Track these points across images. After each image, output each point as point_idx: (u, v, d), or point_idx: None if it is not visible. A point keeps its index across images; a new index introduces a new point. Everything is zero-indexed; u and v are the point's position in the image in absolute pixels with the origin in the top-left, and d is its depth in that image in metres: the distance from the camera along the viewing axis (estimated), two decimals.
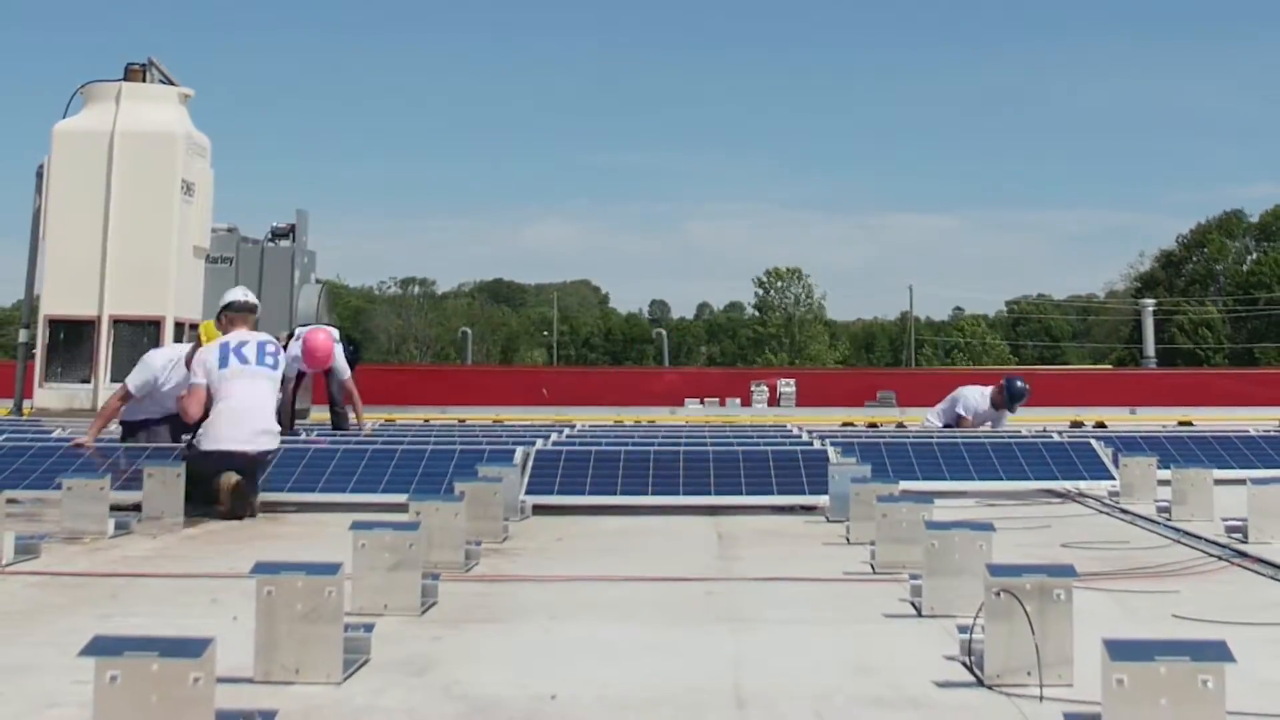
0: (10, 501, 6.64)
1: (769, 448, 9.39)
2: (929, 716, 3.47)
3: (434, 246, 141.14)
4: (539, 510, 8.06)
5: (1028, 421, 15.63)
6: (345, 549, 4.70)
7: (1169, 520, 7.75)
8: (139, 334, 17.13)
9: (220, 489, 7.80)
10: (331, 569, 3.80)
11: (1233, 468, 9.72)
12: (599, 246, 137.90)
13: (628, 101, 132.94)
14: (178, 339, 17.20)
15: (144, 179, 17.07)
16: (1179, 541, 6.96)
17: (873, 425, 17.17)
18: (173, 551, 6.63)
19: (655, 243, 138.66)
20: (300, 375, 12.57)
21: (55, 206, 17.18)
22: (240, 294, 8.76)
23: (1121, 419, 19.36)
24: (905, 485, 8.20)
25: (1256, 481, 7.16)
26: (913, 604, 4.92)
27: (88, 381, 16.94)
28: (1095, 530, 7.49)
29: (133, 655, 2.87)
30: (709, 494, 8.38)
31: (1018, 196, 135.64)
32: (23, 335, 17.67)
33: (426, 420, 18.25)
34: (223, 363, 8.17)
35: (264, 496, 8.33)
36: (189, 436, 8.49)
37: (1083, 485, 9.27)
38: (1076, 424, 15.46)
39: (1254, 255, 78.03)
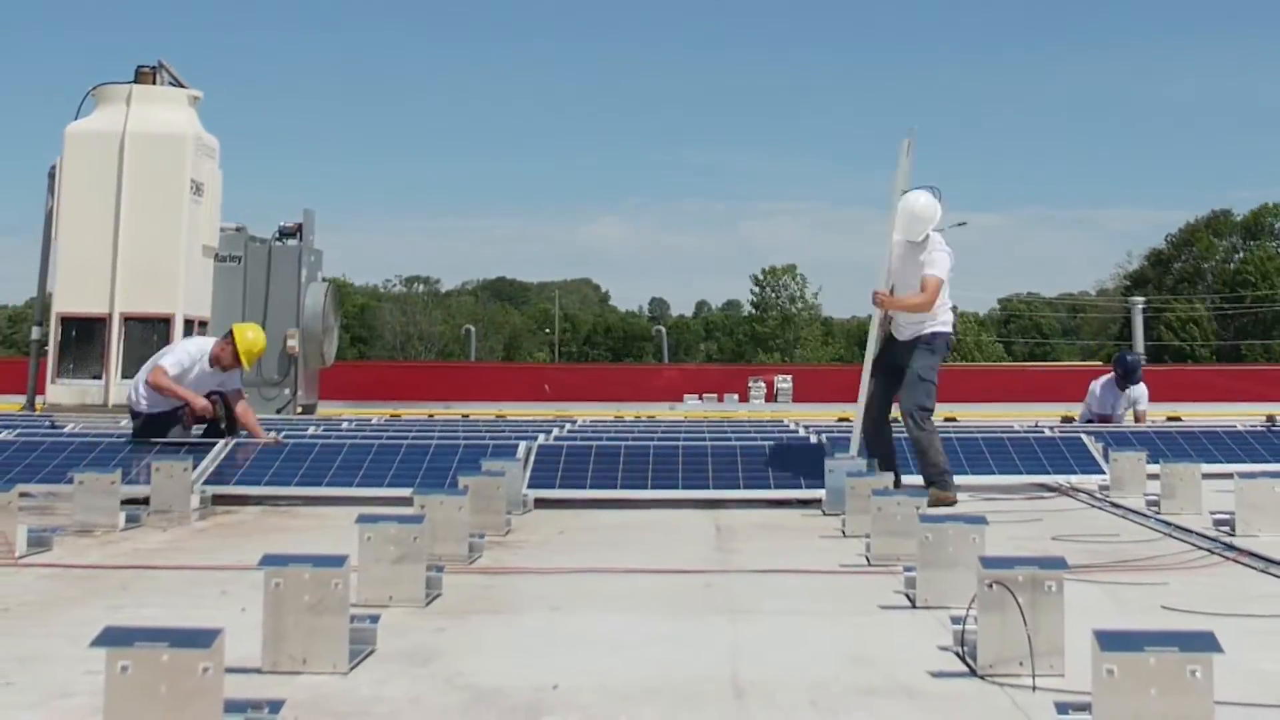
0: (23, 495, 6.65)
1: (766, 443, 9.39)
2: (923, 706, 3.47)
3: (444, 243, 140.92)
4: (541, 504, 8.06)
5: (1019, 417, 15.63)
6: (351, 542, 4.70)
7: (1158, 514, 7.75)
8: (149, 331, 17.12)
9: None
10: (338, 561, 3.79)
11: (1220, 462, 9.70)
12: (654, 244, 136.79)
13: (682, 99, 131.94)
14: (187, 336, 17.21)
15: (154, 179, 17.06)
16: (1168, 535, 6.95)
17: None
18: (182, 544, 6.63)
19: (709, 240, 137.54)
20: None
21: (67, 206, 17.18)
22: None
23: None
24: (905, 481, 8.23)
25: (1244, 476, 7.16)
26: (907, 595, 4.92)
27: (99, 378, 16.94)
28: (1086, 524, 7.48)
29: (143, 646, 2.87)
30: (707, 488, 8.37)
31: (1013, 196, 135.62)
32: (35, 332, 17.67)
33: (431, 416, 18.25)
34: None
35: (272, 490, 8.34)
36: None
37: (1074, 479, 9.26)
38: (1067, 419, 15.43)
39: (1240, 254, 77.99)
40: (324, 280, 20.64)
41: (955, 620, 4.01)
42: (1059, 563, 3.80)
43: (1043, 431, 11.00)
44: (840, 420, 17.29)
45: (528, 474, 8.37)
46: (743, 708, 3.45)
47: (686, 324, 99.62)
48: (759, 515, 7.86)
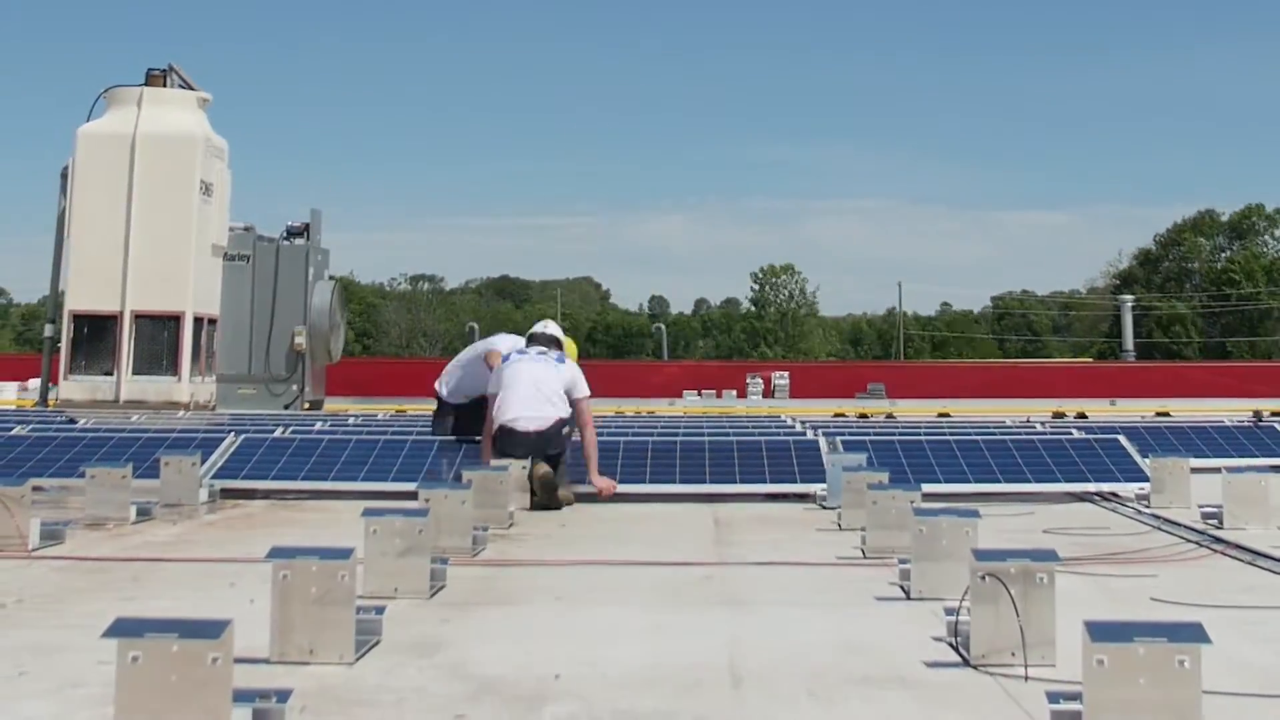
0: (36, 489, 6.65)
1: (764, 438, 9.39)
2: (917, 695, 3.46)
3: (447, 242, 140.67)
4: None
5: (1012, 413, 15.63)
6: (357, 535, 4.69)
7: (1147, 507, 7.75)
8: (159, 328, 17.14)
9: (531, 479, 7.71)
10: (344, 554, 3.79)
11: (1208, 457, 9.70)
12: (714, 244, 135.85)
13: (741, 95, 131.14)
14: (196, 334, 17.22)
15: (164, 180, 17.07)
16: (1157, 528, 6.95)
17: (863, 416, 17.17)
18: (192, 538, 6.63)
19: (770, 237, 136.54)
20: None
21: (79, 206, 17.18)
22: (540, 326, 8.86)
23: (1102, 410, 19.31)
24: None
25: (1231, 470, 7.16)
26: (902, 587, 4.92)
27: (110, 374, 16.94)
28: (1076, 517, 7.48)
29: (154, 636, 2.87)
30: (706, 482, 8.37)
31: (1007, 195, 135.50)
32: (48, 330, 17.69)
33: None
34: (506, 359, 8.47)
35: (279, 485, 8.33)
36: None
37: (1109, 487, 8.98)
38: (1059, 415, 15.44)
39: (1226, 254, 78.03)
40: (330, 278, 20.65)
41: (949, 611, 4.01)
42: (1050, 555, 3.80)
43: (1035, 427, 10.95)
44: (836, 415, 17.31)
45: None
46: (741, 696, 3.45)
47: (686, 321, 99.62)
48: (757, 509, 7.86)
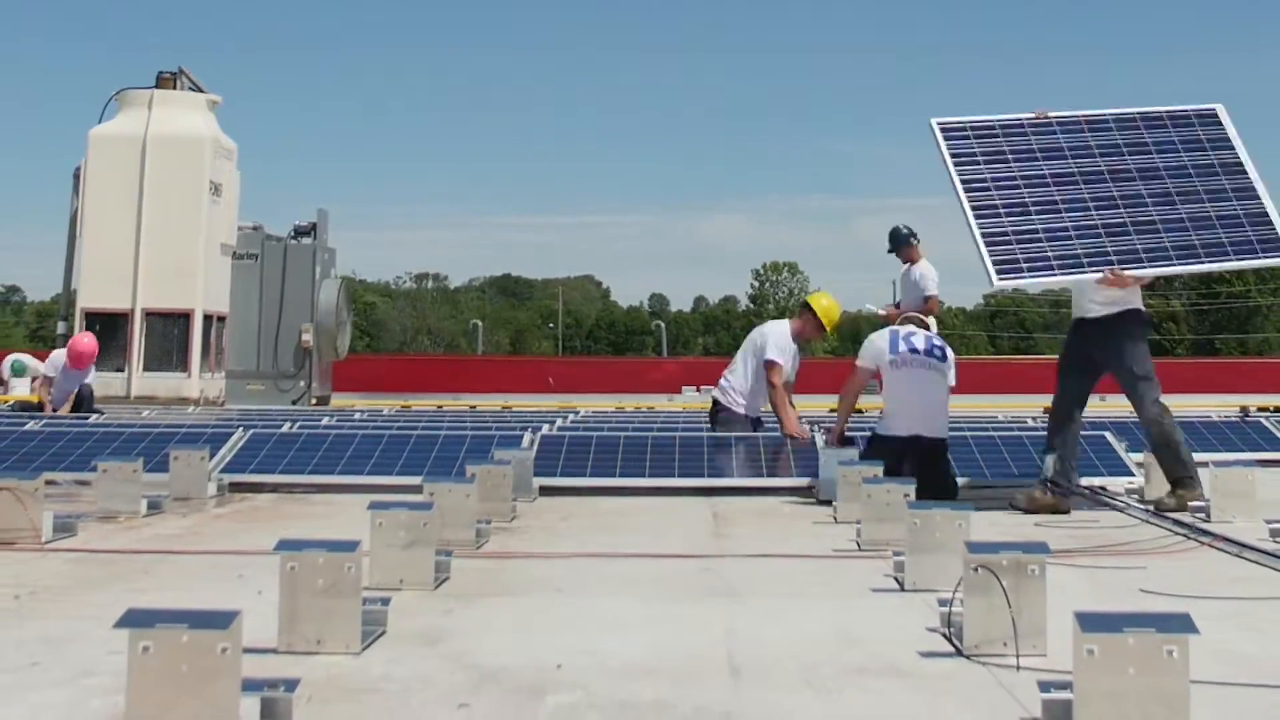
0: (49, 483, 6.65)
1: (761, 433, 9.39)
2: (911, 684, 3.47)
3: (452, 241, 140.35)
4: (545, 491, 8.05)
5: (1005, 409, 15.63)
6: (363, 528, 4.69)
7: (1137, 501, 7.75)
8: (170, 326, 17.16)
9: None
10: (350, 546, 3.79)
11: (1197, 451, 9.63)
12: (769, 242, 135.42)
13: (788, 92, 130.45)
14: (205, 331, 17.23)
15: (174, 181, 17.09)
16: (1147, 521, 6.96)
17: (858, 411, 17.14)
18: (202, 530, 6.63)
19: (827, 236, 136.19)
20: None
21: (91, 206, 17.20)
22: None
23: (1092, 406, 19.28)
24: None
25: (1219, 464, 7.16)
26: (896, 579, 4.92)
27: (121, 370, 16.96)
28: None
29: (164, 627, 2.87)
30: (704, 476, 8.37)
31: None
32: (61, 327, 17.71)
33: (440, 407, 18.25)
34: (893, 349, 7.92)
35: (286, 478, 8.33)
36: None
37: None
38: (1048, 410, 15.40)
39: None
40: (337, 277, 20.66)
41: (942, 603, 4.01)
42: (1042, 547, 3.80)
43: (1026, 422, 10.91)
44: (830, 411, 17.29)
45: (532, 463, 8.36)
46: (738, 686, 3.45)
47: (685, 319, 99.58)
48: (754, 502, 7.85)
